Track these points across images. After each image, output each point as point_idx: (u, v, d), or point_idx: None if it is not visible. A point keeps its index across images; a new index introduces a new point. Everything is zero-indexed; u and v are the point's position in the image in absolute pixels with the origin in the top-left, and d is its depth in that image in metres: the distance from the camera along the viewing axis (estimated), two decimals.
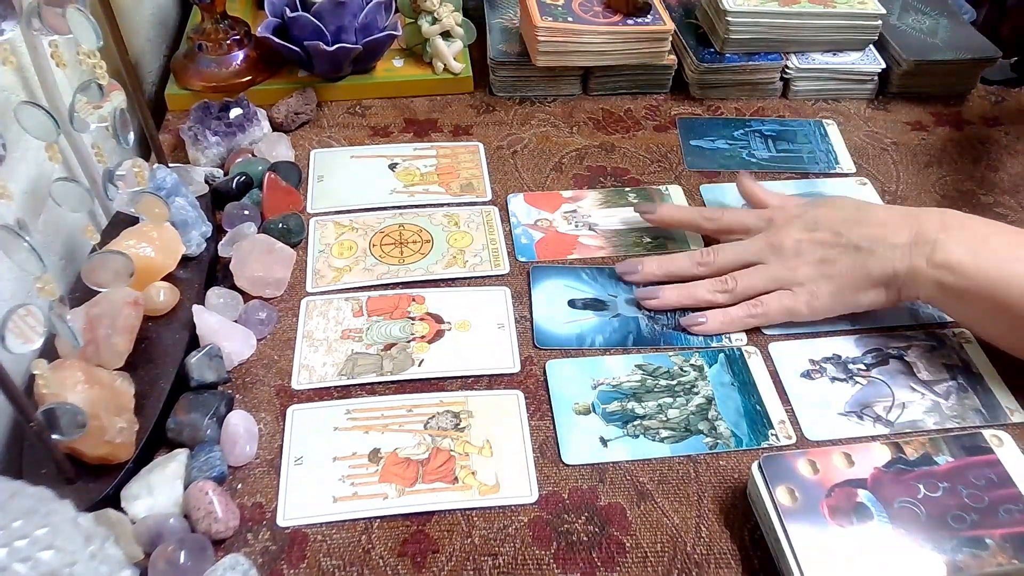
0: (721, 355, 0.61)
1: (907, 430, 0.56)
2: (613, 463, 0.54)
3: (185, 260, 0.63)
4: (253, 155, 0.75)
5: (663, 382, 0.59)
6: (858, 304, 0.60)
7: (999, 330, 0.58)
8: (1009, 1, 1.01)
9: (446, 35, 0.85)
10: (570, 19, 0.80)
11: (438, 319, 0.63)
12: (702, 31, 0.87)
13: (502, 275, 0.67)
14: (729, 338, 0.62)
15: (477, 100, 0.85)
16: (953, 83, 0.87)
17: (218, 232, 0.68)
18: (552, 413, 0.57)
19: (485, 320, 0.63)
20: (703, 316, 0.62)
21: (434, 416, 0.56)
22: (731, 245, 0.64)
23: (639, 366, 0.60)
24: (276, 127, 0.79)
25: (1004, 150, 0.81)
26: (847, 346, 0.62)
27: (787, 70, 0.85)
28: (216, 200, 0.70)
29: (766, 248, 0.62)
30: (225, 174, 0.73)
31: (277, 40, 0.78)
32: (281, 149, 0.76)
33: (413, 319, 0.63)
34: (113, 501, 0.50)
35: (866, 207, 0.61)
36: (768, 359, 0.61)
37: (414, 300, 0.64)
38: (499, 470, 0.53)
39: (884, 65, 0.85)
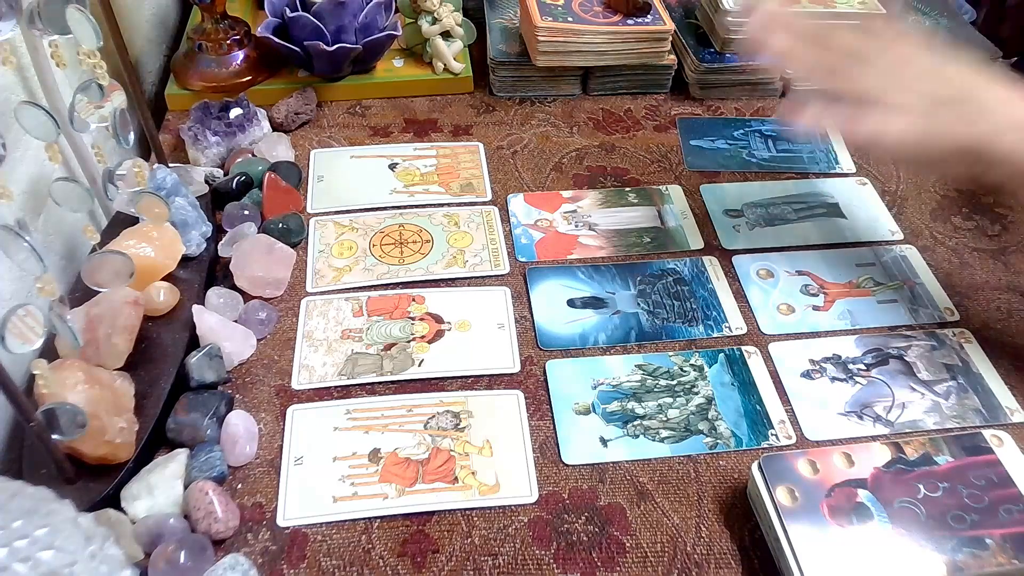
0: (721, 355, 0.61)
1: (907, 430, 0.56)
2: (613, 463, 0.54)
3: (185, 260, 0.63)
4: (253, 155, 0.75)
5: (663, 382, 0.59)
6: (941, 164, 0.55)
7: None
8: (1009, 1, 1.01)
9: (446, 35, 0.85)
10: (570, 19, 0.80)
11: (438, 319, 0.63)
12: (702, 31, 0.87)
13: (502, 275, 0.67)
14: (729, 327, 0.62)
15: (477, 100, 0.85)
16: None
17: (218, 232, 0.68)
18: (552, 413, 0.57)
19: (485, 320, 0.63)
20: (801, 113, 0.55)
21: (434, 416, 0.56)
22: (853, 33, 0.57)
23: (639, 366, 0.60)
24: (276, 127, 0.79)
25: None
26: (847, 346, 0.62)
27: (787, 70, 0.85)
28: (216, 200, 0.70)
29: (889, 53, 0.55)
30: (225, 174, 0.73)
31: (277, 40, 0.78)
32: (281, 149, 0.76)
33: (413, 319, 0.63)
34: (113, 501, 0.50)
35: (982, 82, 0.54)
36: (768, 359, 0.61)
37: (414, 300, 0.64)
38: (499, 470, 0.53)
39: None
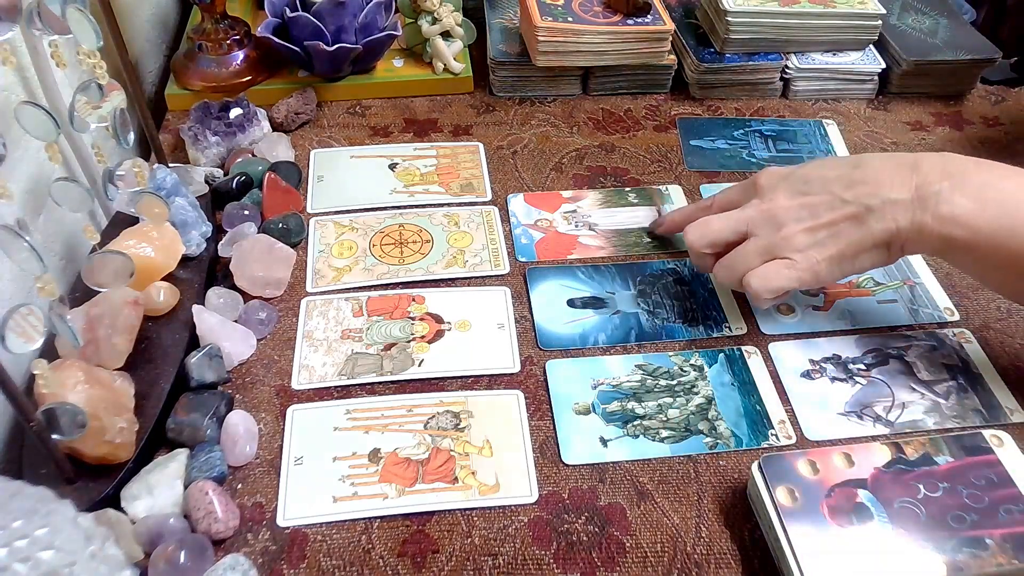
0: (721, 355, 0.61)
1: (907, 430, 0.56)
2: (613, 463, 0.54)
3: (185, 260, 0.63)
4: (253, 155, 0.75)
5: (663, 382, 0.59)
6: (857, 267, 0.56)
7: (1011, 283, 0.55)
8: (1009, 1, 1.01)
9: (446, 35, 0.85)
10: (570, 19, 0.80)
11: (438, 319, 0.63)
12: (702, 31, 0.87)
13: (502, 275, 0.67)
14: (730, 327, 0.62)
15: (477, 100, 0.85)
16: (953, 83, 0.87)
17: (218, 232, 0.68)
18: (552, 413, 0.57)
19: (485, 320, 0.63)
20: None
21: (434, 416, 0.56)
22: (719, 217, 0.59)
23: (639, 366, 0.60)
24: (276, 127, 0.79)
25: (1004, 150, 0.81)
26: (847, 346, 0.62)
27: (787, 70, 0.85)
28: (216, 200, 0.70)
29: (757, 217, 0.57)
30: (225, 174, 0.73)
31: (277, 40, 0.78)
32: (281, 149, 0.76)
33: (413, 319, 0.63)
34: (113, 501, 0.50)
35: (859, 161, 0.56)
36: (768, 359, 0.61)
37: (414, 300, 0.64)
38: (499, 470, 0.53)
39: (884, 65, 0.85)
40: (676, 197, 0.74)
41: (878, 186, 0.54)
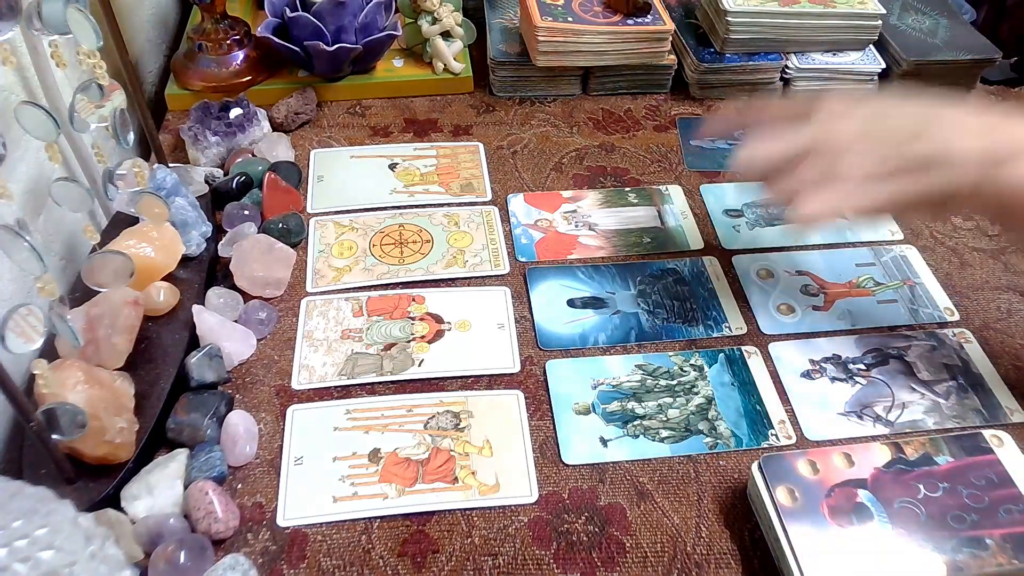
0: (721, 355, 0.61)
1: (907, 430, 0.56)
2: (613, 463, 0.54)
3: (185, 260, 0.63)
4: (253, 155, 0.75)
5: (663, 382, 0.59)
6: (908, 215, 0.54)
7: None
8: (1009, 1, 1.01)
9: (446, 35, 0.85)
10: (570, 19, 0.80)
11: (438, 319, 0.63)
12: (702, 31, 0.87)
13: (502, 275, 0.67)
14: (730, 327, 0.62)
15: (477, 100, 0.85)
16: (953, 83, 0.87)
17: (218, 232, 0.68)
18: (552, 413, 0.57)
19: (485, 320, 0.63)
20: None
21: (434, 416, 0.56)
22: (775, 143, 0.55)
23: (639, 366, 0.60)
24: (276, 127, 0.79)
25: None
26: (847, 346, 0.62)
27: (787, 70, 0.85)
28: (216, 200, 0.70)
29: (818, 140, 0.54)
30: (225, 174, 0.73)
31: (277, 40, 0.78)
32: (281, 149, 0.76)
33: (413, 319, 0.63)
34: (113, 501, 0.50)
35: (933, 115, 0.53)
36: (768, 359, 0.61)
37: (414, 300, 0.64)
38: (499, 470, 0.53)
39: (884, 65, 0.85)
40: (676, 197, 0.74)
41: (947, 142, 0.51)
